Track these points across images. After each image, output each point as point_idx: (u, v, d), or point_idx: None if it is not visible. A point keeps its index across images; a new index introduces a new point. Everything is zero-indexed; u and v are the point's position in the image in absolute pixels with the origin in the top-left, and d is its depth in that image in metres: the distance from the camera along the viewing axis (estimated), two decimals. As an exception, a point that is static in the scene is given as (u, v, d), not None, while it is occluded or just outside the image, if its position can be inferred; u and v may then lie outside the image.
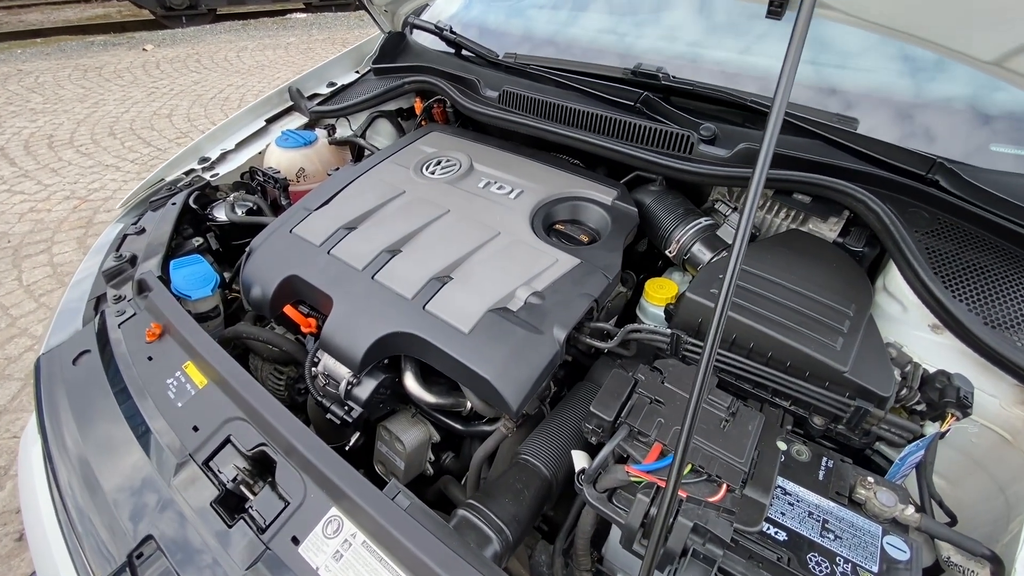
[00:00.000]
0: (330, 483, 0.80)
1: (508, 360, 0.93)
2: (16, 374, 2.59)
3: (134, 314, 1.18)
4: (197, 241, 1.45)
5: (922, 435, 0.82)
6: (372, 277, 1.10)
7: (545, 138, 1.39)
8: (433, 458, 1.23)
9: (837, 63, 1.23)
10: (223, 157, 1.66)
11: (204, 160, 1.64)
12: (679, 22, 1.46)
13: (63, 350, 1.16)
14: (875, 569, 0.69)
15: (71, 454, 0.98)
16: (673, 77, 1.31)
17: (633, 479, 0.78)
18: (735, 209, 1.20)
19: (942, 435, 0.83)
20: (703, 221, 1.18)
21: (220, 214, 1.50)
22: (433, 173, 1.38)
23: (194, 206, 1.49)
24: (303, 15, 9.87)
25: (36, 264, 3.30)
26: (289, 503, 0.81)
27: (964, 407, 0.81)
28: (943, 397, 0.83)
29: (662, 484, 0.76)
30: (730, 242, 1.15)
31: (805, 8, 0.49)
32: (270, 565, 0.76)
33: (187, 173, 1.63)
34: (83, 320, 1.24)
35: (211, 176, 1.61)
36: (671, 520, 0.69)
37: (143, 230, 1.43)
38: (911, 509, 0.76)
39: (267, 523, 0.80)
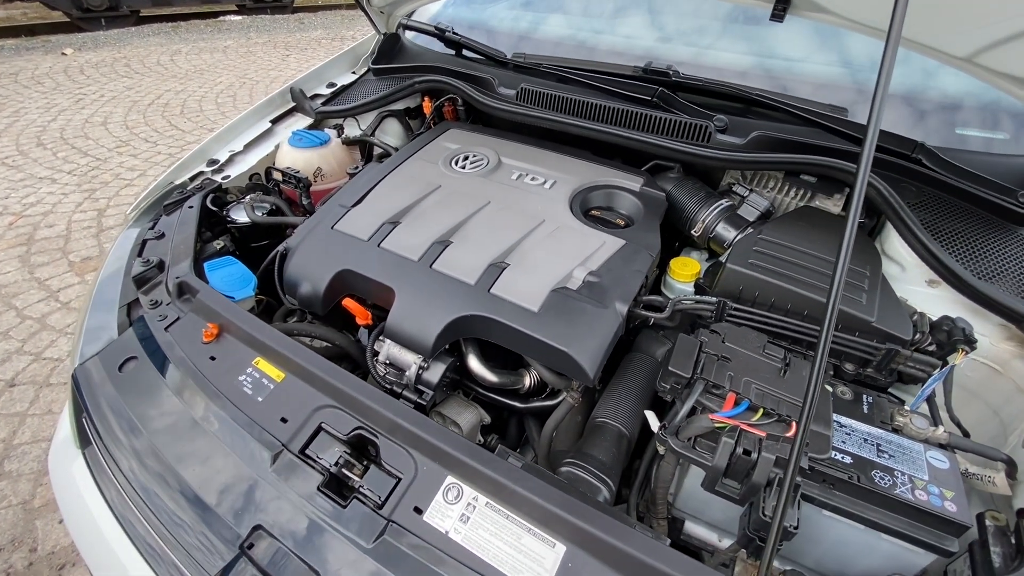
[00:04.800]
0: (443, 453, 0.84)
1: (581, 333, 1.01)
2: (-29, 405, 2.37)
3: (178, 317, 1.16)
4: (218, 244, 1.42)
5: (939, 367, 0.97)
6: (430, 266, 1.15)
7: (566, 131, 1.48)
8: (482, 440, 1.29)
9: (835, 62, 1.40)
10: (232, 159, 1.63)
11: (213, 162, 1.60)
12: (685, 20, 1.60)
13: (104, 359, 1.12)
14: (926, 478, 0.83)
15: (144, 457, 0.96)
16: (682, 74, 1.44)
17: (717, 425, 0.88)
18: (751, 190, 1.33)
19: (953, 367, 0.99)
20: (724, 202, 1.31)
21: (239, 216, 1.48)
22: (464, 168, 1.43)
23: (212, 208, 1.46)
24: (238, 17, 9.45)
25: (-25, 286, 3.02)
26: (401, 478, 0.85)
27: (971, 341, 0.97)
28: (951, 337, 0.99)
29: (744, 427, 0.86)
30: (751, 220, 1.28)
31: (896, 25, 0.60)
32: (396, 535, 0.80)
33: (193, 178, 1.59)
34: (118, 328, 1.19)
35: (221, 178, 1.58)
36: (796, 461, 0.63)
37: (162, 234, 1.38)
38: (940, 429, 0.91)
39: (383, 499, 0.83)
